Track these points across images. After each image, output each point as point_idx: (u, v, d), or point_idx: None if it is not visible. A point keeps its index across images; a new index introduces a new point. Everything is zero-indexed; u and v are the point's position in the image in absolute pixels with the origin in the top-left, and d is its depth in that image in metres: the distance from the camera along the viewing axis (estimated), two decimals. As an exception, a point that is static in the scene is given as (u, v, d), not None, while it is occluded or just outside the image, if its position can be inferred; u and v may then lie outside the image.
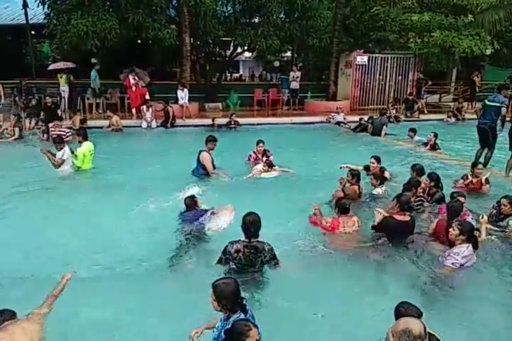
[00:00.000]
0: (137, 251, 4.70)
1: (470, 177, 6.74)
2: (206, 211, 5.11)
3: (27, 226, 5.35)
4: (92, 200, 6.37)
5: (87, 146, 7.70)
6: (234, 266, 3.90)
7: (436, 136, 10.13)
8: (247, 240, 3.90)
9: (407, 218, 4.84)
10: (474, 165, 6.86)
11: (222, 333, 2.74)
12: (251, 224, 3.88)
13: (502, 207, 5.18)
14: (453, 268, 4.07)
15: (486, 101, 8.60)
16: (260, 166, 7.72)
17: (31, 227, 5.31)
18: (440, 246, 4.64)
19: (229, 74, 28.87)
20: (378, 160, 7.04)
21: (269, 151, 8.51)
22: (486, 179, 6.66)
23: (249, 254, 3.87)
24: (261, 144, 8.47)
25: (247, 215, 3.97)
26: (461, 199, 5.12)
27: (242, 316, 2.78)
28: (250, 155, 8.52)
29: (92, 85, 15.04)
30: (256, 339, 2.49)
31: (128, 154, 9.60)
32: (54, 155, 7.66)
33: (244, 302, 2.86)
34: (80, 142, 7.77)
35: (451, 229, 4.23)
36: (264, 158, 8.12)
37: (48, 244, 4.84)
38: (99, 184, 7.36)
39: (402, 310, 2.80)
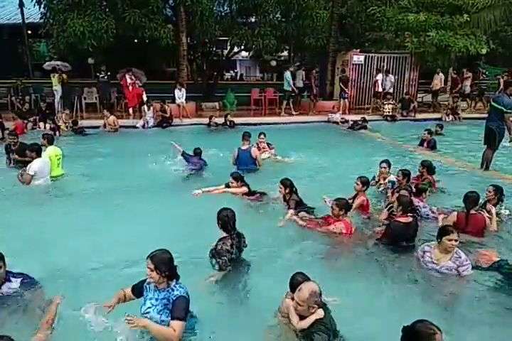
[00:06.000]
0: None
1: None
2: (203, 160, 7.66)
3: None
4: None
5: (49, 151, 7.17)
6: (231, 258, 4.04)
7: (431, 133, 9.82)
8: (229, 234, 4.06)
9: (410, 219, 4.64)
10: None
11: (171, 300, 2.87)
12: (230, 219, 4.06)
13: (487, 193, 5.29)
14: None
15: (491, 100, 8.12)
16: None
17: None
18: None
19: (231, 74, 28.91)
20: (286, 185, 5.68)
21: (271, 144, 8.50)
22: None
23: (237, 244, 4.08)
24: (262, 136, 8.40)
25: (222, 211, 4.10)
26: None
27: (178, 285, 2.95)
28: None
29: (284, 87, 15.23)
30: None
31: (127, 154, 9.56)
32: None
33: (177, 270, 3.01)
34: (43, 145, 7.20)
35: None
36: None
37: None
38: (93, 185, 6.95)
39: (300, 280, 3.09)
